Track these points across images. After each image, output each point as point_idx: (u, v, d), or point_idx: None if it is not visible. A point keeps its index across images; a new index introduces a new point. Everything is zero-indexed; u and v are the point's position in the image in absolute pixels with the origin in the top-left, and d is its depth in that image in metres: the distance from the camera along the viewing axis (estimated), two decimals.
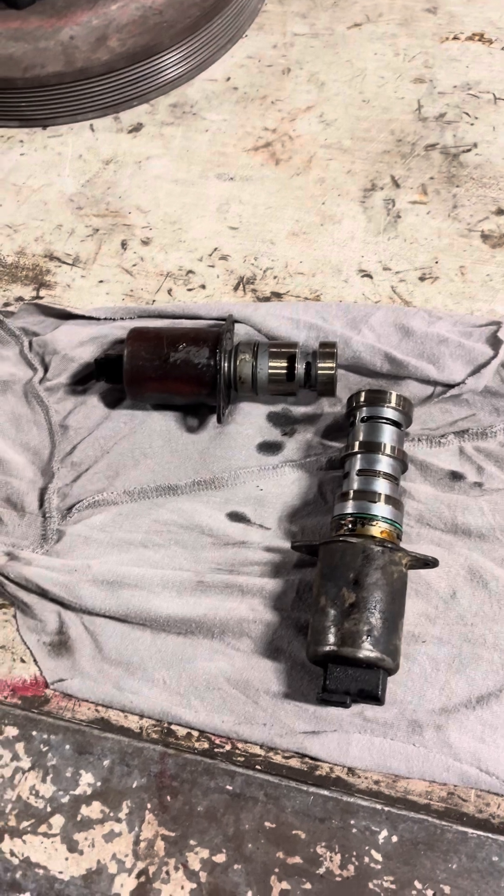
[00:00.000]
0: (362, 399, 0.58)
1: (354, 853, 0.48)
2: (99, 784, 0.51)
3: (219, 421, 0.61)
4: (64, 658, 0.55)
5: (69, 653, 0.55)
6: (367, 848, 0.48)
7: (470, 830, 0.48)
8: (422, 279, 0.69)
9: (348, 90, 0.82)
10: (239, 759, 0.51)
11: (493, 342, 0.62)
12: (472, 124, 0.78)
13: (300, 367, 0.60)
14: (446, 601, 0.55)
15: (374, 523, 0.53)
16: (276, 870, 0.48)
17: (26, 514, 0.61)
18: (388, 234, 0.72)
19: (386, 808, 0.49)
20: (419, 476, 0.60)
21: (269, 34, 0.87)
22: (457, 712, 0.51)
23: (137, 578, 0.56)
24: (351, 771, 0.50)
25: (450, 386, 0.62)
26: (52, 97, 0.80)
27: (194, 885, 0.47)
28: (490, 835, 0.48)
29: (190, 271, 0.72)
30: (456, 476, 0.59)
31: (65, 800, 0.50)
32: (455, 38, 0.85)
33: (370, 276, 0.70)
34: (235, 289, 0.70)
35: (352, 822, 0.49)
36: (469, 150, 0.76)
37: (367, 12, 0.87)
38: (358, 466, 0.55)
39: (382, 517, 0.53)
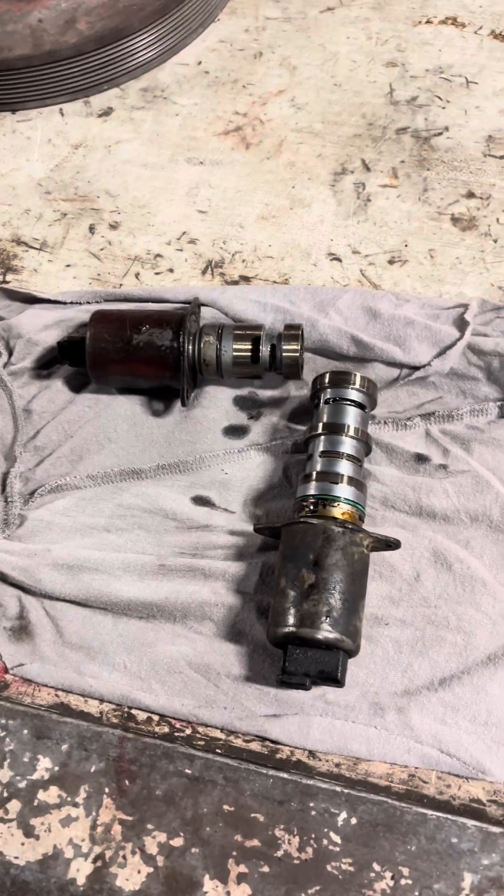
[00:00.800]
0: (326, 381, 0.57)
1: (313, 835, 0.47)
2: (57, 769, 0.50)
3: (183, 404, 0.60)
4: (24, 643, 0.54)
5: (29, 637, 0.54)
6: (325, 830, 0.47)
7: (429, 812, 0.47)
8: (391, 262, 0.69)
9: (320, 74, 0.81)
10: (199, 742, 0.50)
11: (460, 324, 0.61)
12: (443, 108, 0.77)
13: (265, 350, 0.59)
14: (410, 584, 0.54)
15: (336, 504, 0.52)
16: (234, 853, 0.47)
17: None
18: (357, 217, 0.71)
19: (346, 791, 0.48)
20: (384, 459, 0.59)
21: (242, 18, 0.86)
22: (419, 694, 0.50)
23: (98, 562, 0.55)
24: (312, 754, 0.50)
25: (416, 368, 0.61)
26: (20, 81, 0.79)
27: (151, 869, 0.47)
28: (450, 816, 0.47)
29: (158, 255, 0.71)
30: (421, 458, 0.59)
31: (22, 785, 0.50)
32: (428, 21, 0.84)
33: (339, 260, 0.69)
34: (204, 272, 0.70)
35: (311, 804, 0.48)
36: (440, 134, 0.76)
37: None
38: (321, 448, 0.55)
39: (345, 499, 0.53)
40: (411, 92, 0.79)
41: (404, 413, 0.61)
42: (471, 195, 0.72)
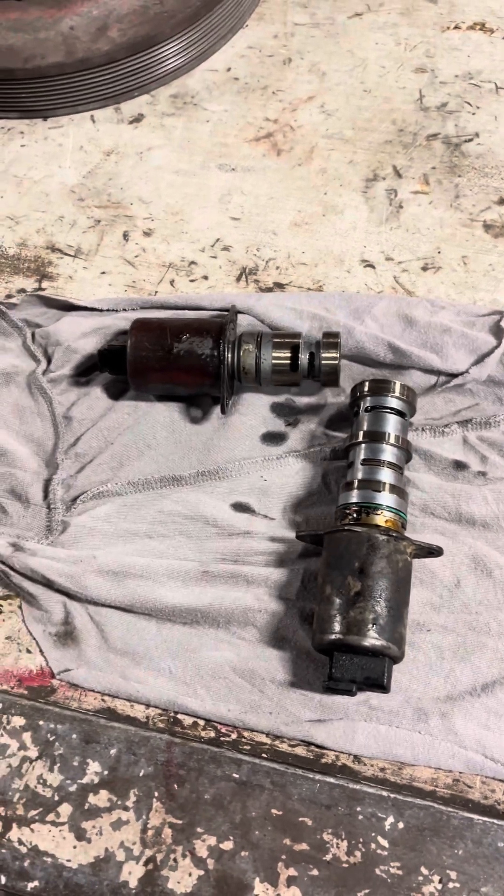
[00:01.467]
0: (366, 388, 0.58)
1: (361, 839, 0.48)
2: (106, 773, 0.51)
3: (223, 412, 0.61)
4: (70, 648, 0.55)
5: (75, 643, 0.55)
6: (373, 834, 0.48)
7: (475, 816, 0.48)
8: (424, 269, 0.69)
9: (349, 80, 0.82)
10: (245, 747, 0.51)
11: (497, 332, 0.62)
12: (473, 114, 0.78)
13: (304, 358, 0.60)
14: (451, 590, 0.55)
15: (379, 512, 0.53)
16: (283, 856, 0.48)
17: (31, 505, 0.61)
18: (390, 224, 0.72)
19: (392, 795, 0.49)
20: (423, 466, 0.60)
21: (270, 24, 0.87)
22: (462, 700, 0.51)
23: (142, 569, 0.56)
24: (357, 758, 0.50)
25: (453, 375, 0.62)
26: (52, 88, 0.80)
27: (202, 872, 0.48)
28: (495, 821, 0.48)
29: (192, 262, 0.72)
30: (459, 465, 0.59)
31: (72, 788, 0.51)
32: (456, 27, 0.84)
33: (373, 267, 0.70)
34: (238, 279, 0.70)
35: (358, 808, 0.49)
36: (471, 140, 0.76)
37: (368, 2, 0.87)
38: (362, 456, 0.56)
39: (387, 506, 0.53)
40: (441, 98, 0.79)
41: (441, 420, 0.62)
42: (502, 202, 0.72)
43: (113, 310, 0.68)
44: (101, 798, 0.50)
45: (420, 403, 0.62)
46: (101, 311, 0.68)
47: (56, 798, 0.50)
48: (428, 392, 0.62)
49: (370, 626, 0.48)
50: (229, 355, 0.60)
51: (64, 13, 0.80)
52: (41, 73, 0.78)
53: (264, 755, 0.51)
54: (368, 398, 0.57)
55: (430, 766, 0.50)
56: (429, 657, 0.53)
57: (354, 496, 0.54)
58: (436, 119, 0.78)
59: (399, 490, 0.54)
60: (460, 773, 0.49)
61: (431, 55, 0.83)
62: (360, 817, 0.49)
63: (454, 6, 0.86)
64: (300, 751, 0.51)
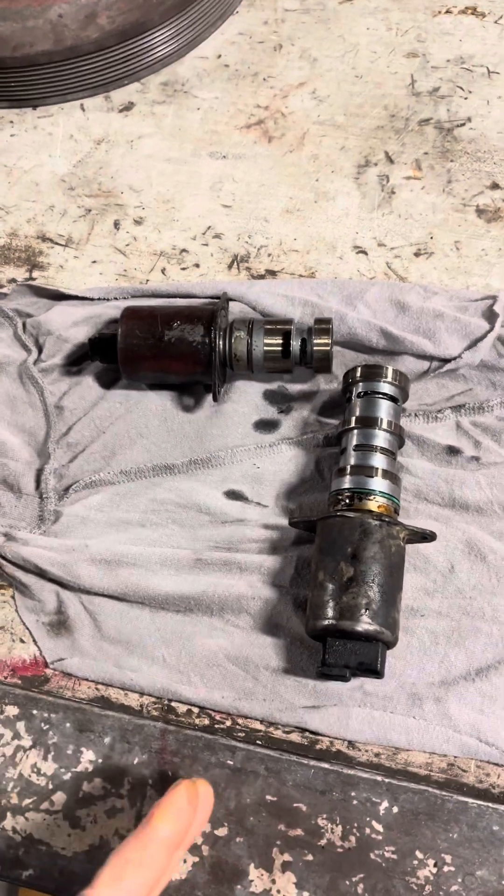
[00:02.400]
0: (358, 374, 0.57)
1: (356, 824, 0.48)
2: (100, 761, 0.51)
3: (214, 399, 0.61)
4: (63, 637, 0.55)
5: (68, 632, 0.55)
6: (368, 819, 0.48)
7: (470, 800, 0.48)
8: (417, 255, 0.69)
9: (341, 66, 0.81)
10: (239, 734, 0.51)
11: (489, 316, 0.62)
12: (465, 98, 0.77)
13: (295, 344, 0.60)
14: (445, 575, 0.55)
15: (372, 498, 0.53)
16: (278, 842, 0.48)
17: (23, 495, 0.61)
18: (382, 210, 0.71)
19: (386, 780, 0.49)
20: (416, 451, 0.59)
21: (261, 10, 0.86)
22: (456, 685, 0.51)
23: (135, 557, 0.56)
24: (351, 744, 0.50)
25: (446, 360, 0.61)
26: (41, 76, 0.79)
27: (196, 859, 0.48)
28: (490, 804, 0.48)
29: (184, 250, 0.71)
30: (453, 451, 0.59)
31: (66, 777, 0.51)
32: (448, 11, 0.84)
33: (365, 253, 0.69)
34: (230, 267, 0.70)
35: (352, 794, 0.49)
36: (463, 125, 0.76)
37: None
38: (355, 442, 0.55)
39: (380, 492, 0.53)
40: (433, 83, 0.79)
41: (434, 405, 0.61)
42: (495, 186, 0.72)
43: (104, 298, 0.68)
44: (96, 786, 0.50)
45: (413, 389, 0.61)
46: (91, 300, 0.68)
47: (50, 787, 0.50)
48: (421, 377, 0.62)
49: (363, 611, 0.48)
50: (220, 342, 0.59)
51: (52, 1, 0.80)
52: (30, 62, 0.78)
53: (259, 742, 0.51)
54: (361, 384, 0.57)
55: (425, 751, 0.50)
56: (423, 642, 0.52)
57: (347, 482, 0.54)
58: (428, 104, 0.78)
59: (392, 475, 0.54)
60: (455, 757, 0.49)
61: (423, 40, 0.82)
62: (355, 802, 0.49)
63: None
64: (295, 737, 0.51)
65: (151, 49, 0.81)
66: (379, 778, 0.49)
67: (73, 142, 0.79)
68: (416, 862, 0.47)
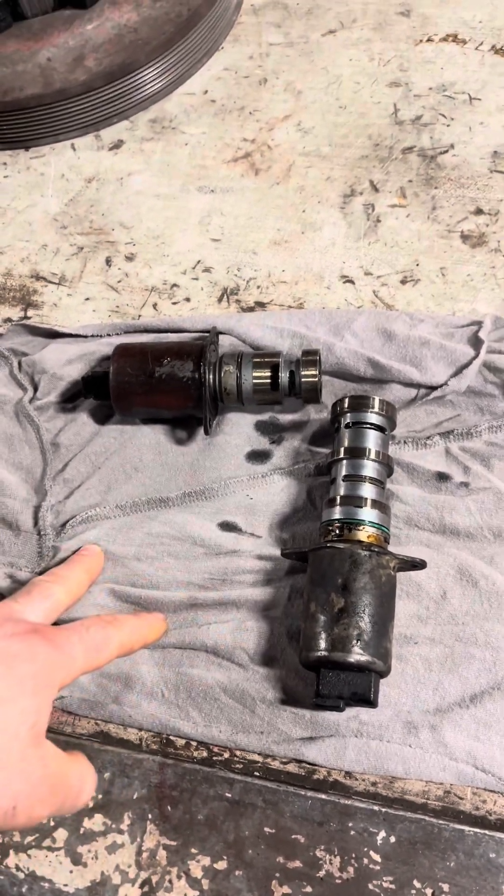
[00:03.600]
0: (346, 406, 0.58)
1: (353, 855, 0.48)
2: (101, 797, 0.52)
3: (206, 433, 0.62)
4: None
5: None
6: (365, 849, 0.48)
7: (467, 828, 0.48)
8: (403, 282, 0.70)
9: (325, 97, 0.83)
10: (237, 766, 0.52)
11: (475, 342, 0.62)
12: (448, 125, 0.78)
13: (284, 376, 0.61)
14: (437, 601, 0.55)
15: (361, 528, 0.53)
16: (277, 874, 0.48)
17: (21, 532, 0.62)
18: (368, 238, 0.73)
19: (383, 810, 0.49)
20: (406, 478, 0.60)
21: (245, 45, 0.88)
22: (451, 712, 0.51)
23: (134, 597, 0.57)
24: (349, 773, 0.51)
25: (433, 388, 0.62)
26: (32, 119, 0.81)
27: (197, 893, 0.48)
28: (487, 832, 0.48)
29: (174, 285, 0.73)
30: (442, 477, 0.60)
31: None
32: (429, 39, 0.85)
33: (352, 282, 0.70)
34: (220, 300, 0.71)
35: (350, 824, 0.49)
36: (446, 152, 0.77)
37: (341, 18, 0.88)
38: (344, 472, 0.56)
39: (369, 521, 0.54)
40: (415, 111, 0.80)
41: (423, 432, 0.62)
42: (479, 212, 0.73)
43: (97, 335, 0.69)
44: (96, 822, 0.51)
45: (402, 416, 0.62)
46: (85, 337, 0.69)
47: (52, 823, 0.51)
48: (409, 404, 0.63)
49: (354, 641, 0.49)
50: (210, 377, 0.60)
51: (41, 45, 0.82)
52: (20, 105, 0.80)
53: (256, 773, 0.51)
54: (348, 415, 0.58)
55: (422, 779, 0.50)
56: (417, 670, 0.53)
57: (337, 512, 0.55)
58: (411, 132, 0.79)
59: (381, 505, 0.55)
60: (451, 784, 0.50)
61: (405, 69, 0.83)
62: (353, 832, 0.49)
63: (427, 19, 0.87)
64: (292, 768, 0.51)
65: (139, 88, 0.83)
66: (376, 807, 0.49)
67: (64, 181, 0.81)
68: (413, 891, 0.47)
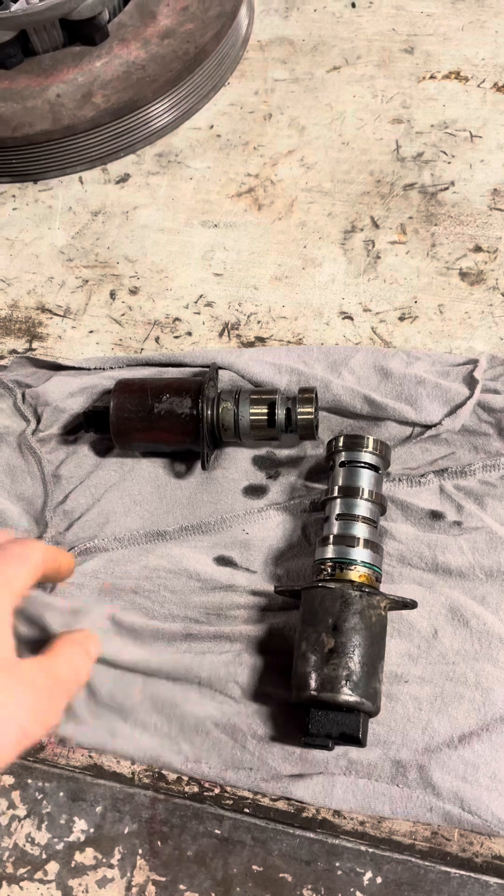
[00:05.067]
0: (340, 444, 0.59)
1: (340, 895, 0.49)
2: (92, 831, 0.52)
3: (203, 468, 0.63)
4: None
5: None
6: (352, 890, 0.49)
7: (453, 870, 0.49)
8: (401, 319, 0.71)
9: (328, 133, 0.84)
10: (227, 802, 0.52)
11: (470, 381, 0.63)
12: (448, 163, 0.80)
13: (280, 413, 0.62)
14: (428, 640, 0.56)
15: (353, 567, 0.54)
16: None
17: None
18: (367, 275, 0.74)
19: (370, 850, 0.50)
20: (400, 516, 0.61)
21: (251, 81, 0.90)
22: (439, 752, 0.52)
23: (129, 627, 0.58)
24: (337, 812, 0.51)
25: (428, 426, 0.63)
26: (41, 153, 0.83)
27: None
28: (472, 874, 0.48)
29: (176, 319, 0.74)
30: (436, 515, 0.60)
31: (59, 847, 0.52)
32: (432, 77, 0.86)
33: (351, 318, 0.71)
34: (220, 335, 0.72)
35: (337, 864, 0.50)
36: (447, 189, 0.78)
37: (346, 55, 0.90)
38: (337, 511, 0.57)
39: (361, 561, 0.54)
40: (417, 148, 0.81)
41: (418, 469, 0.63)
42: (478, 249, 0.74)
43: (100, 368, 0.71)
44: (87, 856, 0.52)
45: (398, 453, 0.63)
46: (88, 370, 0.71)
47: (44, 856, 0.52)
48: (404, 443, 0.64)
49: (343, 682, 0.50)
50: (208, 413, 0.61)
51: (51, 81, 0.84)
52: (29, 141, 0.81)
53: (246, 810, 0.52)
54: (343, 453, 0.59)
55: (409, 820, 0.51)
56: (407, 709, 0.53)
57: (329, 551, 0.55)
58: (412, 169, 0.80)
59: (373, 544, 0.55)
60: (439, 826, 0.50)
61: (408, 106, 0.85)
62: (339, 872, 0.49)
63: (430, 56, 0.88)
64: (281, 805, 0.52)
65: (146, 123, 0.85)
66: (363, 847, 0.50)
67: (71, 213, 0.83)
68: None
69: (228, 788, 0.53)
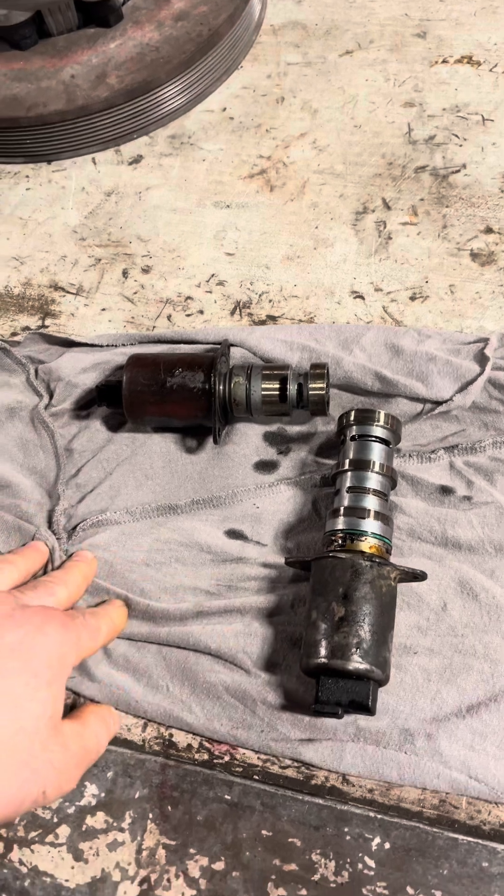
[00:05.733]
0: (352, 418, 0.60)
1: (348, 860, 0.49)
2: (103, 795, 0.53)
3: (215, 442, 0.63)
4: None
5: None
6: (360, 855, 0.49)
7: (461, 837, 0.49)
8: (412, 299, 0.71)
9: (340, 116, 0.84)
10: (237, 769, 0.53)
11: (480, 359, 0.64)
12: (460, 146, 0.80)
13: (292, 389, 0.62)
14: (437, 613, 0.56)
15: (364, 539, 0.54)
16: (273, 877, 0.49)
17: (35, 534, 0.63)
18: (379, 255, 0.74)
19: (379, 816, 0.50)
20: (410, 491, 0.61)
21: (264, 64, 0.90)
22: (447, 721, 0.52)
23: (141, 606, 0.58)
24: (345, 780, 0.52)
25: (439, 403, 0.63)
26: (55, 134, 0.83)
27: (194, 892, 0.49)
28: (480, 841, 0.49)
29: (188, 297, 0.74)
30: (446, 490, 0.61)
31: (70, 811, 0.53)
32: (444, 61, 0.87)
33: (362, 298, 0.72)
34: (232, 313, 0.73)
35: (346, 829, 0.50)
36: (458, 171, 0.78)
37: (359, 39, 0.90)
38: (348, 484, 0.57)
39: (372, 533, 0.55)
40: (429, 131, 0.82)
41: (428, 446, 0.63)
42: (489, 230, 0.74)
43: (112, 345, 0.71)
44: (98, 820, 0.52)
45: (408, 430, 0.63)
46: (100, 346, 0.71)
47: (55, 820, 0.52)
48: (415, 419, 0.64)
49: (354, 650, 0.50)
50: (220, 388, 0.62)
51: (65, 62, 0.84)
52: (44, 121, 0.82)
53: (256, 777, 0.52)
54: (354, 427, 0.59)
55: (416, 787, 0.51)
56: (415, 679, 0.54)
57: (340, 523, 0.56)
58: (424, 152, 0.80)
59: (384, 516, 0.56)
60: (446, 793, 0.51)
61: (420, 89, 0.85)
62: (348, 838, 0.50)
63: (442, 41, 0.88)
64: (291, 772, 0.52)
65: (159, 105, 0.85)
66: (372, 814, 0.50)
67: (84, 194, 0.83)
68: None
69: (238, 756, 0.53)
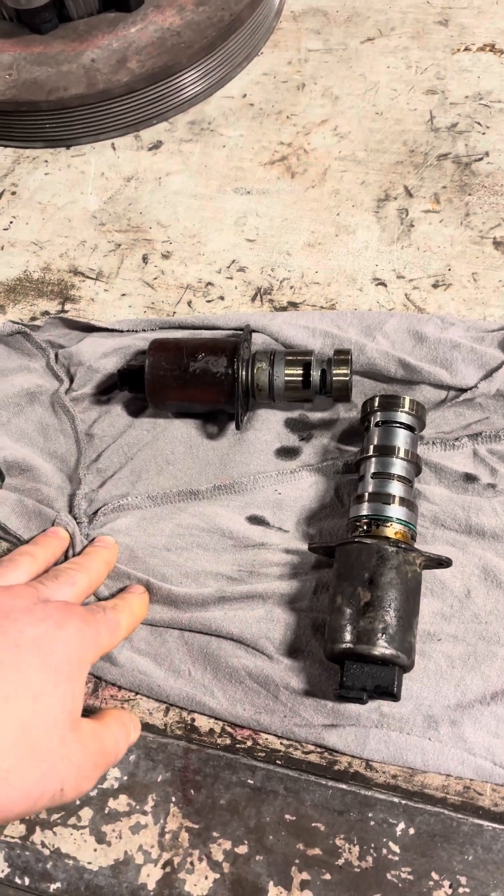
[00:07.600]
0: (376, 404, 0.59)
1: (373, 845, 0.49)
2: (126, 778, 0.53)
3: (237, 428, 0.63)
4: None
5: None
6: (384, 840, 0.49)
7: (485, 823, 0.49)
8: (435, 286, 0.71)
9: (362, 103, 0.84)
10: (260, 754, 0.53)
11: None
12: (483, 133, 0.79)
13: (315, 375, 0.62)
14: (461, 600, 0.56)
15: (389, 524, 0.54)
16: (297, 861, 0.49)
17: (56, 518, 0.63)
18: (401, 242, 0.74)
19: (403, 802, 0.50)
20: (434, 478, 0.61)
21: (284, 51, 0.89)
22: (471, 708, 0.52)
23: (164, 591, 0.58)
24: (369, 765, 0.52)
25: (462, 390, 0.63)
26: (75, 118, 0.83)
27: (217, 875, 0.49)
28: None
29: (209, 283, 0.74)
30: (470, 478, 0.60)
31: (93, 793, 0.52)
32: (466, 49, 0.86)
33: (384, 285, 0.71)
34: (253, 299, 0.73)
35: (370, 814, 0.50)
36: (481, 159, 0.78)
37: (380, 27, 0.89)
38: (373, 470, 0.57)
39: (397, 518, 0.55)
40: (451, 119, 0.81)
41: (452, 433, 0.63)
42: None
43: (132, 330, 0.71)
44: (121, 803, 0.52)
45: (431, 417, 0.63)
46: (121, 331, 0.71)
47: (77, 802, 0.52)
48: (439, 406, 0.64)
49: (380, 635, 0.50)
50: (243, 373, 0.62)
51: (85, 46, 0.84)
52: (64, 105, 0.81)
53: (278, 761, 0.52)
54: (378, 413, 0.59)
55: (440, 773, 0.51)
56: (439, 666, 0.54)
57: (365, 509, 0.55)
58: (446, 139, 0.80)
59: (408, 503, 0.55)
60: (470, 780, 0.50)
61: (442, 77, 0.84)
62: (372, 823, 0.50)
63: (464, 29, 0.88)
64: (313, 758, 0.52)
65: (180, 90, 0.85)
66: (396, 799, 0.50)
67: (104, 179, 0.83)
68: (431, 883, 0.48)
69: (261, 741, 0.53)
